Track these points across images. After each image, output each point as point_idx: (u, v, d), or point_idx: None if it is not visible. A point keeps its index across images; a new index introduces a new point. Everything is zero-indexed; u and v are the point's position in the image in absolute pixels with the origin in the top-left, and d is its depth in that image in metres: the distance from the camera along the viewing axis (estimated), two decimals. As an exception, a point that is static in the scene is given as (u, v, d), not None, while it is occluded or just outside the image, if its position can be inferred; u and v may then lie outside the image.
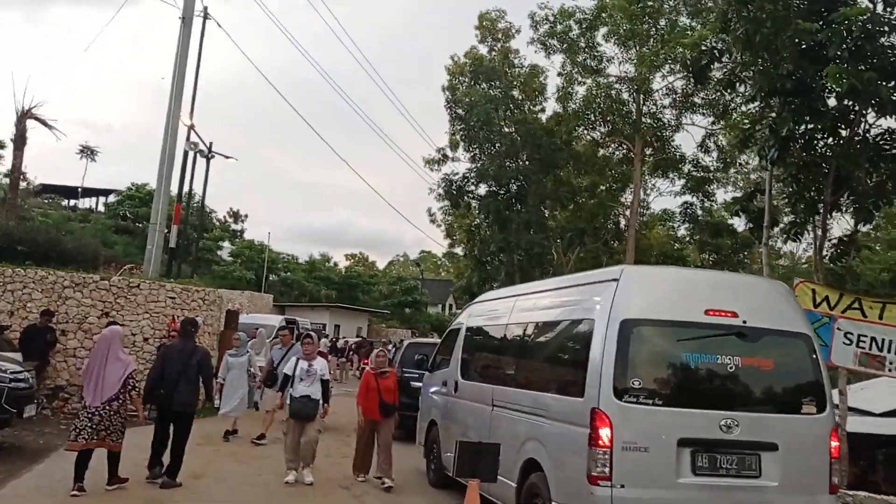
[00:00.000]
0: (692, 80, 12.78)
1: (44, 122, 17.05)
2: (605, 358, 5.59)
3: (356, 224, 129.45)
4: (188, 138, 16.02)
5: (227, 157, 17.34)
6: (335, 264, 71.14)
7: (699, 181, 23.13)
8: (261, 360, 13.19)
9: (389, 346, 40.01)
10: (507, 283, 19.30)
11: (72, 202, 61.00)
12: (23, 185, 55.78)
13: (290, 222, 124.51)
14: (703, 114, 21.47)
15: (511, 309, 8.49)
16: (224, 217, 65.06)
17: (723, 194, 27.92)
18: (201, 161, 16.43)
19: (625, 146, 21.68)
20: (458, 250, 27.72)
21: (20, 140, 16.87)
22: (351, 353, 28.57)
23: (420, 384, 11.80)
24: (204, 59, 16.00)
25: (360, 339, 33.60)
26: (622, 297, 5.82)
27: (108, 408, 7.21)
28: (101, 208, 61.39)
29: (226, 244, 57.00)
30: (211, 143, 17.01)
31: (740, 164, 23.73)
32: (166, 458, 8.32)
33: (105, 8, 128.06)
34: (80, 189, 62.12)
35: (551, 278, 9.42)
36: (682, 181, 22.65)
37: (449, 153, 22.03)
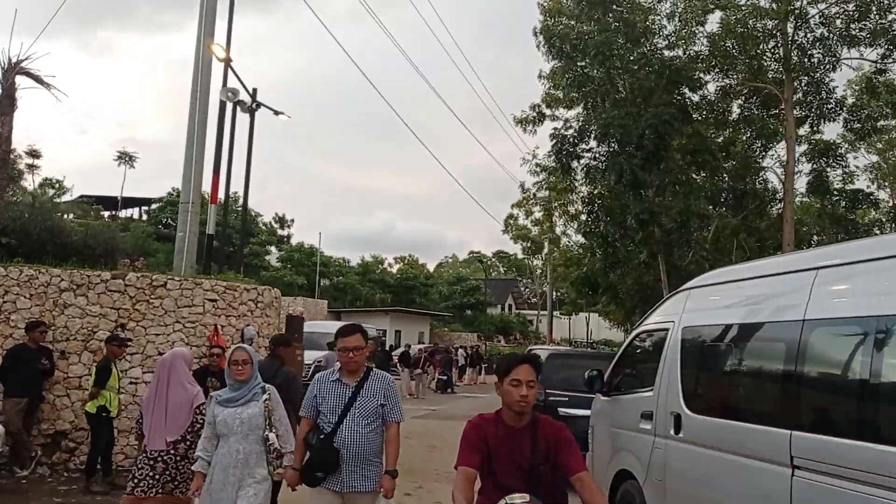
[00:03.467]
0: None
1: (37, 79, 13.35)
2: None
3: (397, 228, 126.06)
4: (224, 83, 12.04)
5: (277, 113, 13.37)
6: (389, 266, 67.76)
7: (860, 134, 18.43)
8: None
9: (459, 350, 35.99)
10: (646, 267, 14.94)
11: (111, 213, 58.75)
12: (63, 195, 53.88)
13: (331, 227, 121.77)
14: (868, 45, 16.78)
15: (808, 291, 4.38)
16: (270, 222, 62.28)
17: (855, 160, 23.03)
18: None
19: (765, 93, 17.17)
20: (558, 231, 23.44)
21: (8, 101, 13.15)
22: (426, 363, 24.51)
23: (572, 411, 9.42)
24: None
25: (432, 344, 29.66)
26: None
27: (173, 451, 5.51)
28: (144, 218, 59.17)
29: (272, 249, 54.13)
30: (255, 91, 12.97)
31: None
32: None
33: (149, 34, 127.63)
34: (119, 199, 59.79)
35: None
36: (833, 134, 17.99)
37: (546, 110, 17.86)
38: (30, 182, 49.43)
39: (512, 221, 71.81)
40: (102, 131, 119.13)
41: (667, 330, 5.79)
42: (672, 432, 5.30)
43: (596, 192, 14.62)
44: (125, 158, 62.40)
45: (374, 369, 4.66)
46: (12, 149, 48.30)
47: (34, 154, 57.73)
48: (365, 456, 4.43)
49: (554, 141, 14.22)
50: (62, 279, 9.36)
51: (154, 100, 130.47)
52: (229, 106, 12.36)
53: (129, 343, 9.05)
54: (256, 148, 13.37)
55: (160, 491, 5.39)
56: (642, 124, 13.12)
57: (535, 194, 22.98)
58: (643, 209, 12.86)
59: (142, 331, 9.40)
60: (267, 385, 4.96)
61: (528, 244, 73.79)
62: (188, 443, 5.45)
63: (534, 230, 72.29)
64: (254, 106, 12.52)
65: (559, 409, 9.69)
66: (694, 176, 14.96)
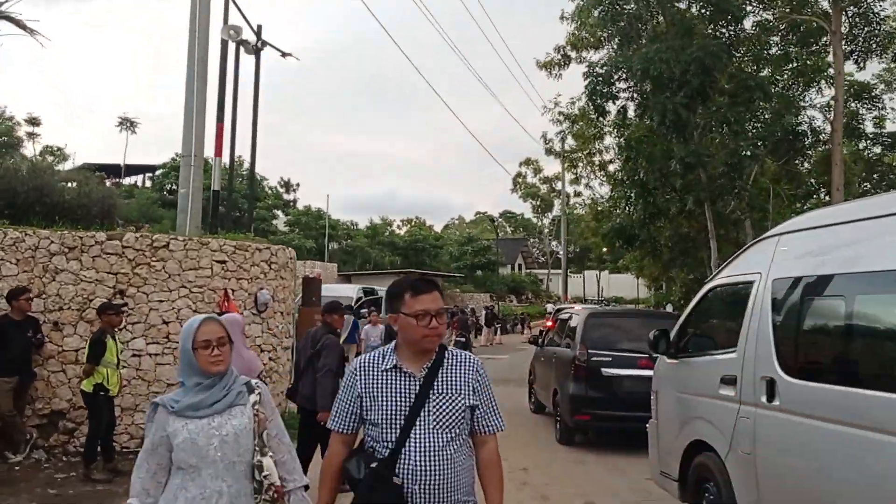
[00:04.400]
0: None
1: (18, 23, 12.07)
2: None
3: (402, 192, 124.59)
4: (226, 20, 10.78)
5: (284, 54, 12.09)
6: (397, 228, 66.81)
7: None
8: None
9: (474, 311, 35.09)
10: (687, 217, 13.81)
11: (115, 180, 57.54)
12: (65, 163, 52.67)
13: (335, 193, 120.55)
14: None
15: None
16: (276, 186, 61.12)
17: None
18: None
19: (804, 28, 15.78)
20: (581, 186, 22.15)
21: (-12, 48, 11.91)
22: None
23: (617, 371, 9.12)
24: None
25: (450, 306, 28.75)
26: None
27: None
28: (148, 185, 58.01)
29: (279, 213, 53.09)
30: (259, 28, 11.67)
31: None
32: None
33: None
34: (122, 166, 58.53)
35: None
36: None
37: (571, 53, 16.47)
38: (30, 149, 48.27)
39: (521, 180, 70.67)
40: (103, 101, 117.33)
41: (751, 283, 4.97)
42: (764, 399, 4.52)
43: (635, 135, 13.38)
44: (126, 124, 61.04)
45: (450, 348, 2.82)
46: (11, 116, 46.91)
47: (34, 122, 56.51)
48: (448, 493, 2.59)
49: (588, 80, 12.93)
50: (52, 241, 8.31)
51: (153, 69, 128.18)
52: (231, 49, 11.13)
53: (125, 310, 8.02)
54: (258, 112, 12.18)
55: None
56: (686, 58, 11.87)
57: (561, 143, 21.63)
58: (689, 152, 11.64)
59: (143, 297, 8.38)
60: (254, 380, 2.93)
61: (538, 202, 72.76)
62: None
63: (542, 188, 71.23)
64: (259, 45, 11.22)
65: (602, 368, 9.17)
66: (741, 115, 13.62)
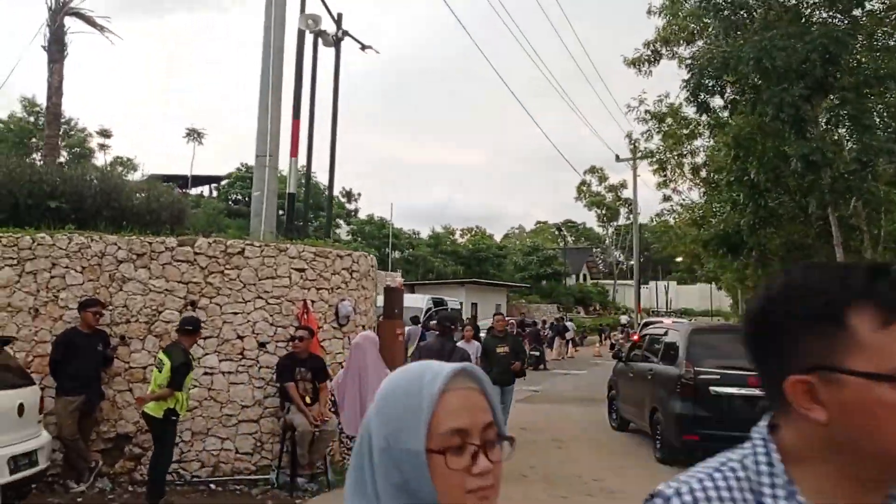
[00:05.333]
0: None
1: (89, 20, 11.57)
2: None
3: (459, 201, 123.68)
4: (302, 8, 9.96)
5: (364, 47, 11.26)
6: (459, 237, 66.06)
7: None
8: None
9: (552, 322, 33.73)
10: (803, 222, 12.37)
11: (182, 191, 58.42)
12: (134, 174, 53.78)
13: (392, 202, 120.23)
14: None
15: None
16: (337, 196, 61.11)
17: None
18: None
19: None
20: (669, 189, 20.70)
21: (57, 46, 11.41)
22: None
23: (727, 389, 8.74)
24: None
25: (520, 316, 27.65)
26: None
27: None
28: (214, 195, 58.78)
29: (341, 223, 52.94)
30: (340, 16, 10.83)
31: None
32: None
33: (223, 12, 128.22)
34: (189, 177, 59.43)
35: None
36: None
37: (661, 49, 15.20)
38: (101, 160, 49.36)
39: (585, 188, 68.95)
40: (172, 115, 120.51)
41: None
42: None
43: (744, 132, 12.02)
44: (194, 135, 62.04)
45: None
46: (83, 128, 48.05)
47: (105, 133, 57.95)
48: None
49: (691, 73, 11.66)
50: (119, 247, 7.59)
51: (222, 84, 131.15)
52: (309, 40, 10.33)
53: (203, 326, 7.24)
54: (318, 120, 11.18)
55: None
56: (808, 46, 10.54)
57: (645, 142, 20.25)
58: (813, 149, 10.28)
59: (216, 309, 7.58)
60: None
61: (604, 211, 70.87)
62: None
63: (608, 196, 69.30)
64: (339, 34, 10.38)
65: (710, 387, 8.89)
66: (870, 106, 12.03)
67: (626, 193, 65.00)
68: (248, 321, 7.64)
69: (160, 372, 6.35)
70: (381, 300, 10.38)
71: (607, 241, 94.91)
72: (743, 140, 11.86)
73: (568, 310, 48.95)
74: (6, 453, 5.42)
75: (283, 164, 10.24)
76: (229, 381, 7.51)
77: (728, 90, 11.96)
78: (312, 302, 8.00)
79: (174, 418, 6.44)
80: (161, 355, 6.50)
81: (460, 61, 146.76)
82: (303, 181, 12.07)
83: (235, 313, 7.61)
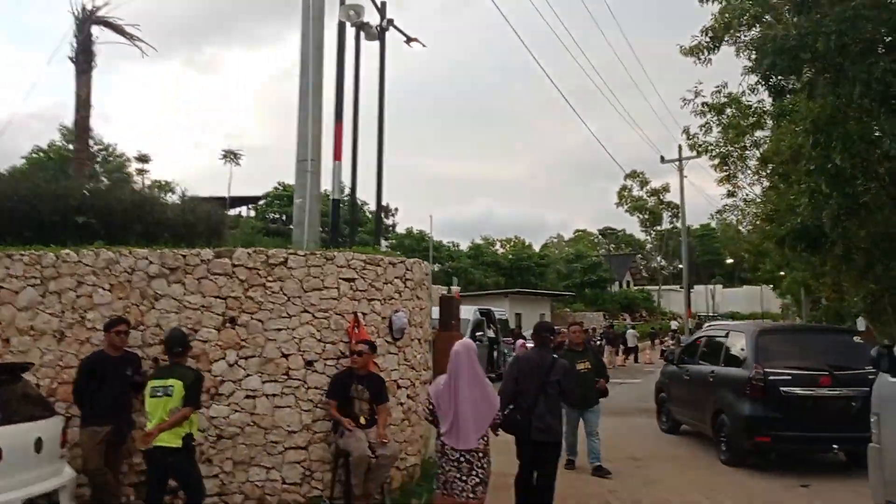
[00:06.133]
0: None
1: (118, 29, 11.03)
2: None
3: (497, 213, 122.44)
4: (342, 0, 9.16)
5: (410, 40, 10.46)
6: (499, 247, 65.19)
7: None
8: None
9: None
10: (893, 212, 11.16)
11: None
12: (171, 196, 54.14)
13: (429, 216, 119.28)
14: None
15: None
16: (375, 210, 60.76)
17: None
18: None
19: None
20: (736, 185, 19.36)
21: (85, 56, 10.87)
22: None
23: (797, 390, 8.86)
24: None
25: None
26: None
27: (473, 449, 5.02)
28: (251, 214, 58.90)
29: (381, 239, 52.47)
30: (384, 5, 9.99)
31: None
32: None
33: (251, 49, 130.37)
34: (227, 198, 59.59)
35: None
36: None
37: (722, 35, 14.11)
38: (139, 185, 49.64)
39: (626, 193, 67.37)
40: (210, 143, 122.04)
41: None
42: None
43: (824, 114, 10.87)
44: (230, 157, 62.31)
45: None
46: (122, 153, 48.40)
47: (143, 159, 58.49)
48: None
49: (762, 55, 10.55)
50: (150, 262, 6.89)
51: (258, 110, 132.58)
52: (350, 35, 9.55)
53: (244, 343, 6.47)
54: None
55: (471, 495, 5.03)
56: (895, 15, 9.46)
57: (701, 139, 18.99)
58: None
59: (258, 325, 6.80)
60: None
61: (646, 215, 69.18)
62: (486, 439, 5.20)
63: (650, 200, 67.65)
64: (384, 25, 9.56)
65: (781, 388, 8.90)
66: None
67: (669, 197, 63.50)
68: (294, 338, 6.85)
69: (169, 396, 5.61)
70: (435, 311, 9.52)
71: (649, 247, 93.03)
72: (824, 124, 10.74)
73: (614, 317, 47.60)
74: (20, 496, 4.71)
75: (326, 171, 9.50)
76: (274, 405, 6.71)
77: (805, 71, 10.86)
78: (364, 315, 7.18)
79: (193, 444, 5.70)
80: (159, 382, 5.75)
81: (490, 73, 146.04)
82: (346, 188, 11.25)
83: (279, 329, 6.82)
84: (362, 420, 6.58)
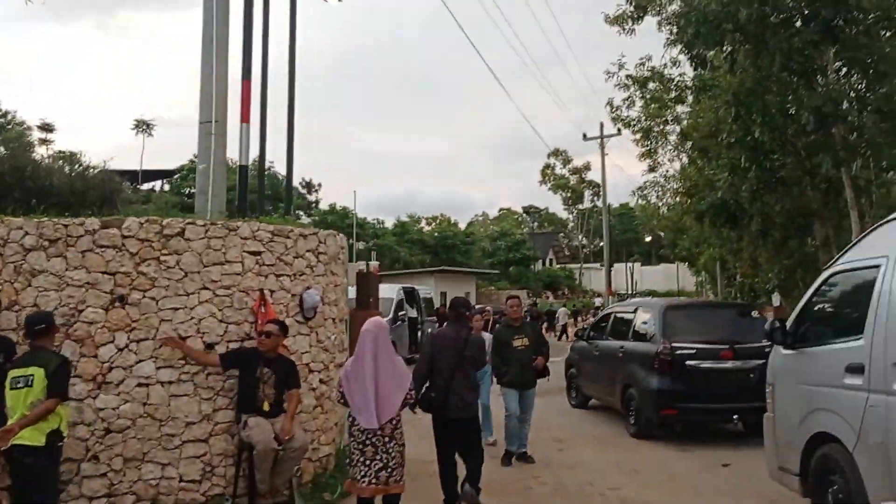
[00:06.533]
0: None
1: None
2: None
3: (423, 191, 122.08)
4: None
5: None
6: (425, 225, 64.94)
7: None
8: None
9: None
10: (809, 185, 11.30)
11: (133, 186, 55.82)
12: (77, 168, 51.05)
13: (356, 192, 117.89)
14: None
15: None
16: (297, 186, 59.30)
17: None
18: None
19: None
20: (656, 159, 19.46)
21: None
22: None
23: (701, 363, 9.16)
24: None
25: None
26: None
27: (380, 432, 4.92)
28: (166, 189, 56.47)
29: (301, 214, 51.31)
30: None
31: None
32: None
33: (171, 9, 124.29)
34: (140, 171, 56.84)
35: None
36: None
37: (647, 5, 13.91)
38: (42, 155, 46.70)
39: (549, 171, 68.04)
40: (120, 111, 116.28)
41: (877, 267, 4.92)
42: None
43: (744, 87, 10.84)
44: (142, 127, 59.40)
45: None
46: (22, 121, 45.32)
47: (47, 128, 55.11)
48: None
49: (685, 24, 10.40)
50: (27, 232, 6.10)
51: (172, 79, 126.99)
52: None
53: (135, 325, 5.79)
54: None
55: (374, 481, 4.90)
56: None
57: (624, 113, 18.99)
58: (827, 99, 9.20)
59: (151, 304, 6.13)
60: None
61: (568, 194, 70.15)
62: (395, 422, 5.05)
63: (572, 179, 68.57)
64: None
65: (686, 362, 9.15)
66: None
67: (591, 176, 64.59)
68: (192, 318, 6.21)
69: (30, 387, 4.93)
70: (352, 290, 9.00)
71: (571, 225, 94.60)
72: (744, 97, 10.73)
73: (538, 295, 48.09)
74: None
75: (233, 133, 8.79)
76: (170, 393, 6.08)
77: (726, 42, 10.79)
78: (271, 292, 6.61)
79: (60, 444, 5.05)
80: (19, 371, 5.05)
81: (414, 49, 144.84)
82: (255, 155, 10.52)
83: (176, 309, 6.17)
84: (266, 406, 6.03)
